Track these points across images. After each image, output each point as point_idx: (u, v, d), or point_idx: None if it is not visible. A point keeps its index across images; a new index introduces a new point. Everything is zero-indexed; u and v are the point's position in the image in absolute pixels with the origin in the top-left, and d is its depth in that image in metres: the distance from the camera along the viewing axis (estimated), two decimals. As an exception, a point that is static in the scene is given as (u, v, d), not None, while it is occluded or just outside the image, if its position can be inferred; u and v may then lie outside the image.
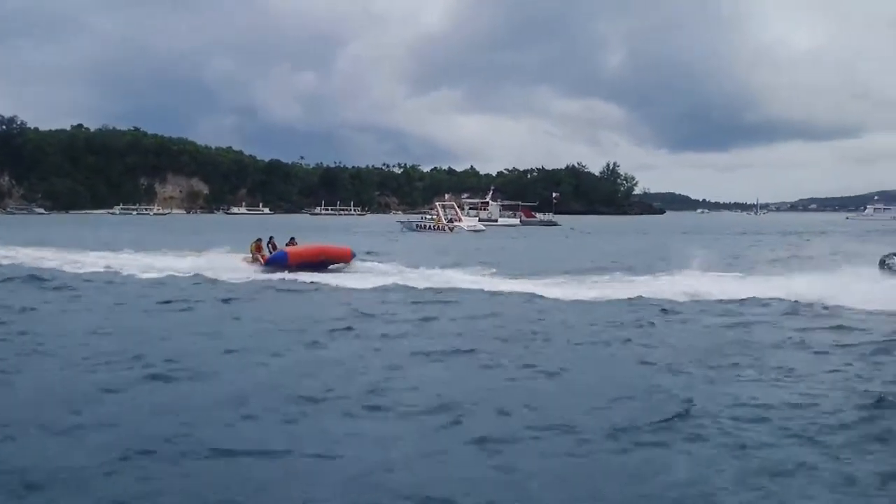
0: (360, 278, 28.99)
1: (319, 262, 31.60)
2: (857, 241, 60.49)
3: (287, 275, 29.07)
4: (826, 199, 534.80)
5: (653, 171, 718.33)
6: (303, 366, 13.97)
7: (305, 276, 28.68)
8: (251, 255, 32.72)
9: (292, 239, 33.74)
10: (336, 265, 32.41)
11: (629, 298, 22.92)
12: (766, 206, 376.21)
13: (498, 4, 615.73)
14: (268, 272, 30.07)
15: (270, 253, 32.24)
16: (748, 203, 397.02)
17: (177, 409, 10.89)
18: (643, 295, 23.44)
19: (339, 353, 15.21)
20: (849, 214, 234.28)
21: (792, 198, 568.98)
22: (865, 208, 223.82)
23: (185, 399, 11.54)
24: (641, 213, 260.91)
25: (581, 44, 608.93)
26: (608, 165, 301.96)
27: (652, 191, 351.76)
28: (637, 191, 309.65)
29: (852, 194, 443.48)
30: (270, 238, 33.47)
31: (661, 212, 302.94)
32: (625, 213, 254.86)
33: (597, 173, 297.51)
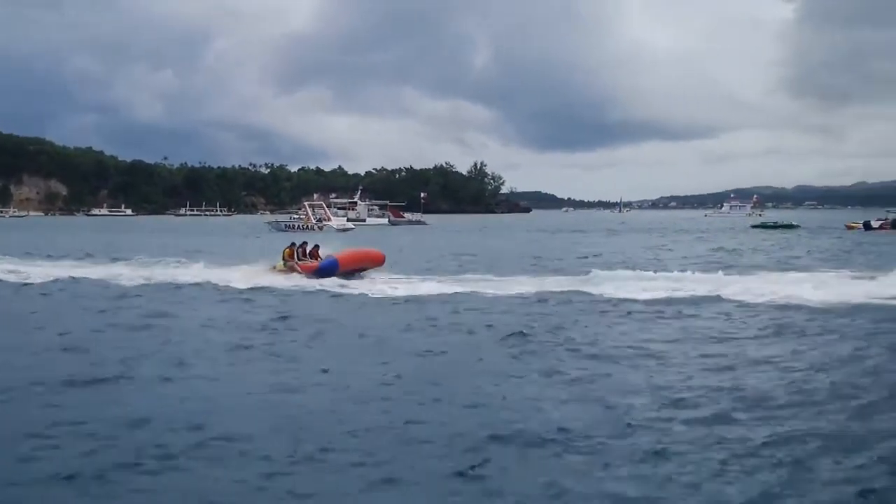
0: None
1: (361, 268, 30.83)
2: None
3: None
4: (686, 196, 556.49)
5: (520, 171, 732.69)
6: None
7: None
8: (283, 264, 30.86)
9: (316, 246, 31.87)
10: (368, 270, 31.24)
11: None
12: (629, 205, 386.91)
13: (365, 4, 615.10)
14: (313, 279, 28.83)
15: (300, 260, 30.75)
16: (612, 201, 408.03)
17: None
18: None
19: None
20: (707, 211, 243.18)
21: (653, 195, 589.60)
22: (722, 205, 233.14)
23: None
24: (508, 212, 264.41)
25: (447, 44, 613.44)
26: (476, 165, 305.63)
27: (519, 190, 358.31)
28: (504, 190, 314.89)
29: (710, 192, 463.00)
30: (303, 244, 31.67)
31: (528, 210, 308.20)
32: (492, 211, 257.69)
33: (464, 173, 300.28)
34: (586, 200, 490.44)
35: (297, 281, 28.47)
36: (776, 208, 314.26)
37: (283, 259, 30.88)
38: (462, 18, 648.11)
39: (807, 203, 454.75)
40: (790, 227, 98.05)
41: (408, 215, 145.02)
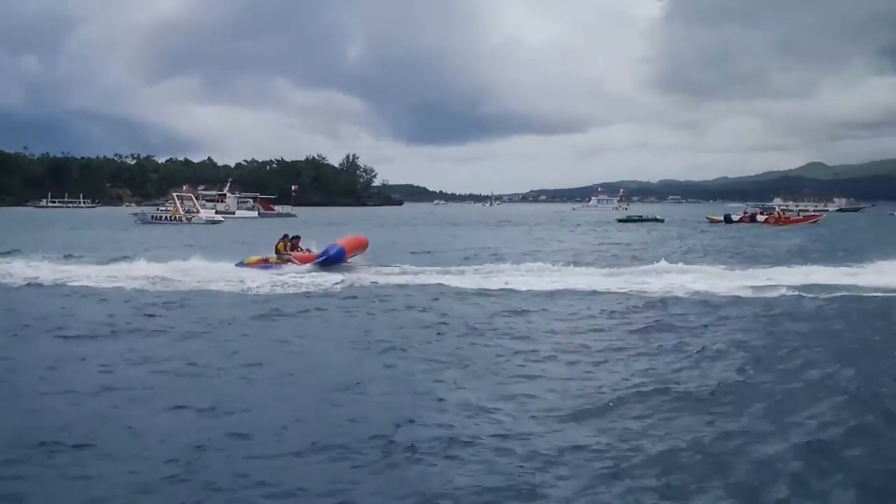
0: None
1: (355, 255, 31.46)
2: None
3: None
4: (555, 190, 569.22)
5: (393, 164, 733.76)
6: None
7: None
8: (277, 256, 29.96)
9: (297, 237, 31.40)
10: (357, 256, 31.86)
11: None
12: (500, 198, 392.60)
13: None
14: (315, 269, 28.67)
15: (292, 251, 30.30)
16: (483, 194, 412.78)
17: None
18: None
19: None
20: (575, 205, 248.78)
21: (524, 189, 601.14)
22: (590, 199, 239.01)
23: None
24: (380, 205, 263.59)
25: (320, 34, 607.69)
26: (348, 157, 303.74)
27: (391, 182, 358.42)
28: (376, 183, 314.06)
29: (578, 186, 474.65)
30: (296, 237, 31.18)
31: (400, 203, 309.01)
32: (364, 204, 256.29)
33: (336, 165, 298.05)
34: (458, 193, 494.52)
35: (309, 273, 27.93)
36: (642, 202, 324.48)
37: (277, 252, 30.05)
38: (337, 9, 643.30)
39: (671, 197, 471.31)
40: (655, 220, 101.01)
41: (278, 208, 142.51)
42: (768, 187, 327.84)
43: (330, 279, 26.11)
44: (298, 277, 26.88)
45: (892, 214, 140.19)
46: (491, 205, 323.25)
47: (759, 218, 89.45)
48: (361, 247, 32.29)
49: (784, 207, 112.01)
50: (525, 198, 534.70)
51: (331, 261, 29.20)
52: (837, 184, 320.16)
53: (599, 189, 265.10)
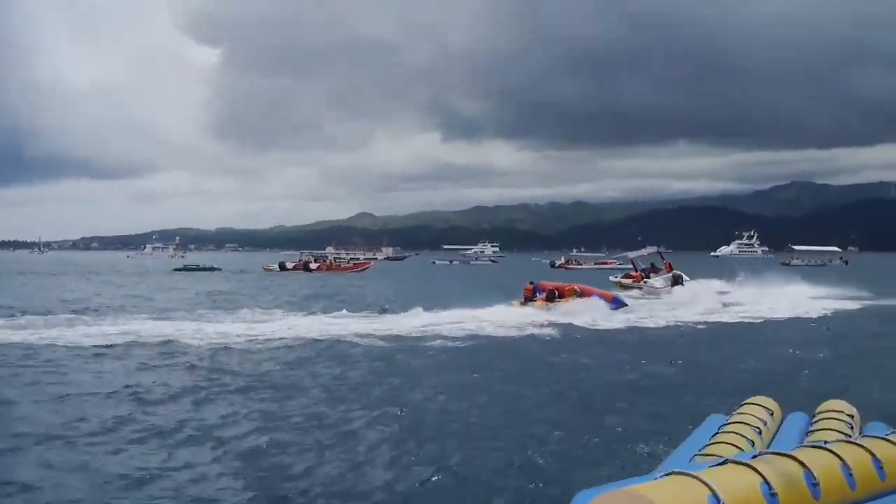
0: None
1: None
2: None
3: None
4: (110, 237, 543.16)
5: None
6: None
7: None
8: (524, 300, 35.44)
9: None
10: None
11: None
12: (48, 245, 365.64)
13: None
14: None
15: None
16: (30, 241, 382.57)
17: None
18: None
19: None
20: (130, 253, 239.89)
21: (75, 235, 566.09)
22: (145, 246, 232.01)
23: None
24: None
25: None
26: None
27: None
28: None
29: (135, 232, 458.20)
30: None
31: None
32: None
33: None
34: (1, 240, 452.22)
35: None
36: (199, 250, 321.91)
37: (525, 297, 35.44)
38: None
39: (228, 245, 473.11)
40: (212, 269, 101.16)
41: None
42: (322, 236, 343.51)
43: None
44: None
45: (434, 262, 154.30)
46: (41, 252, 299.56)
47: (313, 266, 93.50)
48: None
49: (336, 255, 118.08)
50: (76, 244, 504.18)
51: (618, 306, 34.98)
52: (385, 233, 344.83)
53: (155, 236, 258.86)
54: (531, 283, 36.53)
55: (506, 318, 30.29)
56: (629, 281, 50.39)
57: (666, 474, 3.55)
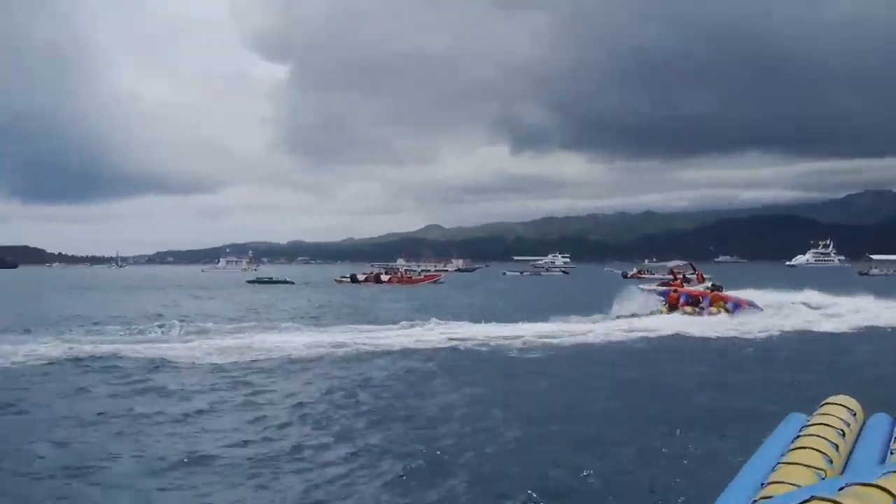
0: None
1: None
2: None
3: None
4: (183, 251, 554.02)
5: (4, 224, 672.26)
6: None
7: None
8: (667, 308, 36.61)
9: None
10: None
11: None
12: (125, 260, 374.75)
13: None
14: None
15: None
16: (106, 256, 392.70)
17: None
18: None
19: None
20: (204, 267, 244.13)
21: (150, 251, 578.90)
22: (219, 260, 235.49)
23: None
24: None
25: None
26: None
27: (3, 244, 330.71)
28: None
29: (207, 247, 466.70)
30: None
31: (14, 266, 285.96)
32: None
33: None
34: (78, 255, 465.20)
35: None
36: (271, 263, 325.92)
37: (670, 304, 36.58)
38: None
39: (300, 258, 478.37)
40: (284, 282, 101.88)
41: None
42: (391, 248, 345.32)
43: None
44: None
45: (505, 273, 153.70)
46: (119, 266, 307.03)
47: (384, 277, 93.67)
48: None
49: (407, 268, 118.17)
50: (152, 259, 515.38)
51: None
52: (454, 245, 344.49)
53: (227, 250, 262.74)
54: (674, 290, 38.27)
55: (679, 326, 31.47)
56: (666, 289, 50.46)
57: None
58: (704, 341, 27.72)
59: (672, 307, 36.20)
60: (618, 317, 35.48)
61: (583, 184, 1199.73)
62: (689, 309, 35.59)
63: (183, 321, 35.58)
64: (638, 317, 35.02)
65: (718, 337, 28.67)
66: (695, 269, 53.48)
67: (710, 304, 35.90)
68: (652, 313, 35.90)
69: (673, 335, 28.85)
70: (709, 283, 48.69)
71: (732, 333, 29.59)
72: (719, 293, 37.47)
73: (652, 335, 28.71)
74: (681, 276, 51.68)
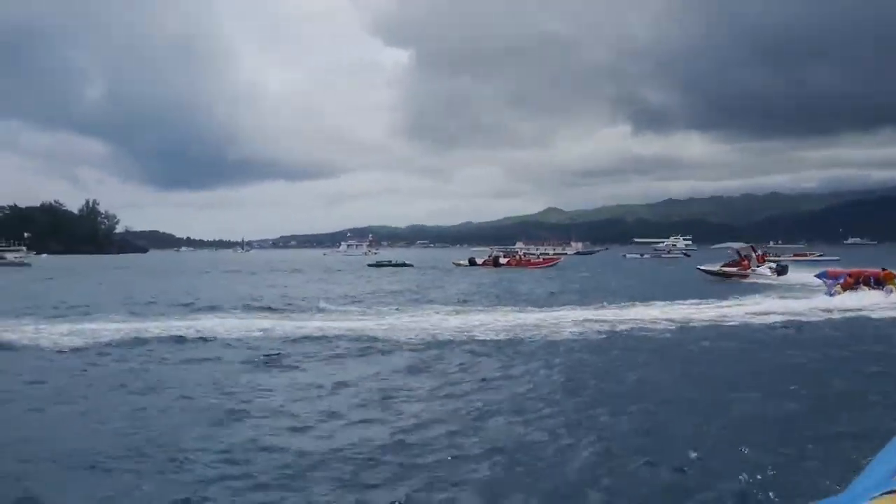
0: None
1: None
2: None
3: None
4: (306, 236, 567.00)
5: (138, 209, 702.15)
6: None
7: None
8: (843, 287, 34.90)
9: None
10: None
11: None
12: (250, 244, 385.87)
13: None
14: None
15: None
16: (232, 240, 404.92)
17: None
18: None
19: None
20: (325, 250, 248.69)
21: (274, 235, 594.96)
22: (340, 244, 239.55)
23: None
24: (122, 252, 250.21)
25: (53, 75, 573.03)
26: (87, 203, 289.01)
27: (136, 229, 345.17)
28: (119, 229, 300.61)
29: (328, 231, 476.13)
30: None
31: (145, 250, 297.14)
32: (106, 252, 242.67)
33: (76, 211, 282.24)
34: (205, 240, 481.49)
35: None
36: (391, 247, 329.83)
37: (846, 284, 34.93)
38: (70, 50, 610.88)
39: (419, 242, 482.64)
40: (404, 265, 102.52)
41: (10, 256, 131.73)
42: (510, 231, 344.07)
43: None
44: None
45: (625, 256, 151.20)
46: (243, 251, 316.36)
47: (502, 261, 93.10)
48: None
49: (525, 251, 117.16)
50: (275, 244, 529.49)
51: None
52: (574, 227, 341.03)
53: (348, 234, 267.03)
54: (849, 274, 36.50)
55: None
56: (734, 269, 54.44)
57: None
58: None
59: (848, 286, 34.65)
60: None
61: (706, 165, 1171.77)
62: (868, 289, 33.97)
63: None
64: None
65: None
66: (755, 251, 58.99)
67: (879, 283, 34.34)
68: (833, 294, 34.48)
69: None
70: (772, 264, 54.75)
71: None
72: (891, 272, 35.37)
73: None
74: (746, 257, 55.75)
